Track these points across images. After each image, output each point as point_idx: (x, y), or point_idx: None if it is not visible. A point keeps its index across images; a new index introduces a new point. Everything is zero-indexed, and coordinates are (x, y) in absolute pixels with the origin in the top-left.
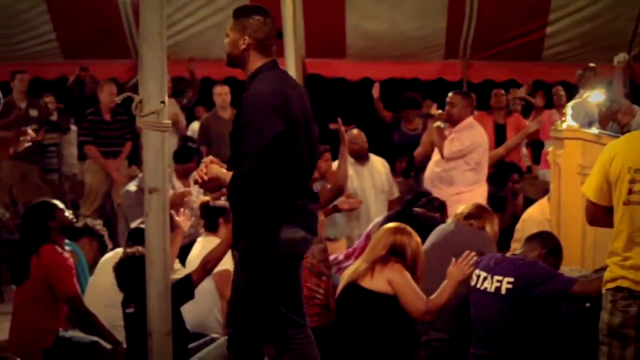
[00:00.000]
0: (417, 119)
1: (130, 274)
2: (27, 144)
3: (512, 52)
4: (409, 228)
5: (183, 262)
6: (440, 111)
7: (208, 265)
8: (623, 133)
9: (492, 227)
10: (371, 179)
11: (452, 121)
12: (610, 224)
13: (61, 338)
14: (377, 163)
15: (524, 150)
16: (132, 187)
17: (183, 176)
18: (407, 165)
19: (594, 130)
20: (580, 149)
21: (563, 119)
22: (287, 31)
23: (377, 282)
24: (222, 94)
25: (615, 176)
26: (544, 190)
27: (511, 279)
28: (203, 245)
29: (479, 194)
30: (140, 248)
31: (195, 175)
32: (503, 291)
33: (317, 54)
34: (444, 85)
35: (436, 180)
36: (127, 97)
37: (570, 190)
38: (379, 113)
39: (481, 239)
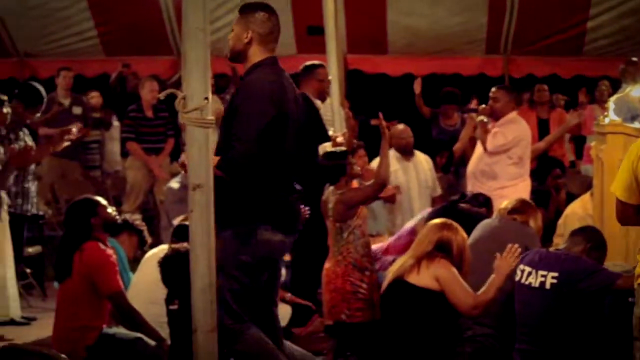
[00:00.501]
0: (456, 114)
1: (175, 270)
2: (67, 143)
3: (553, 47)
4: (455, 224)
5: None
6: (483, 106)
7: None
8: None
9: (535, 222)
10: (416, 174)
11: (495, 116)
12: None
13: (105, 335)
14: (422, 159)
15: (568, 145)
16: (174, 184)
17: None
18: (447, 161)
19: (637, 124)
20: (623, 143)
21: (605, 113)
22: (328, 27)
23: (424, 278)
24: None
25: None
26: (586, 185)
27: (555, 274)
28: None
29: (522, 189)
30: (185, 244)
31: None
32: (547, 286)
33: (358, 50)
34: (485, 81)
35: (479, 174)
36: (169, 94)
37: None
38: (419, 109)
39: (525, 234)
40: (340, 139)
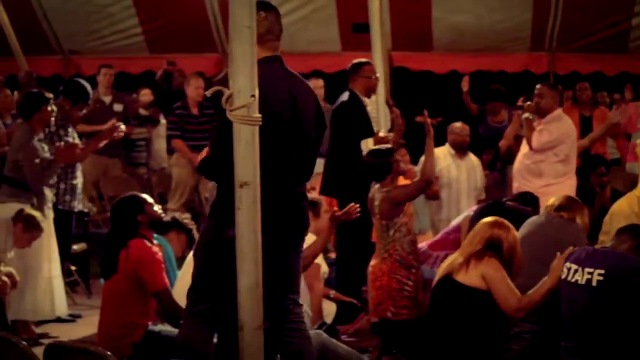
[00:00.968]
0: (503, 111)
1: None
2: (105, 141)
3: (598, 44)
4: (507, 222)
5: None
6: (528, 103)
7: (304, 261)
8: None
9: (582, 219)
10: (467, 174)
11: (541, 113)
12: None
13: (150, 332)
14: (475, 161)
15: (610, 142)
16: None
17: None
18: (493, 158)
19: None
20: None
21: None
22: (373, 24)
23: (471, 277)
24: (316, 87)
25: None
26: (631, 183)
27: (602, 271)
28: None
29: (568, 186)
30: None
31: None
32: (594, 283)
33: (403, 47)
34: (530, 78)
35: (524, 172)
36: (216, 91)
37: None
38: (467, 106)
39: (572, 231)
40: (382, 134)
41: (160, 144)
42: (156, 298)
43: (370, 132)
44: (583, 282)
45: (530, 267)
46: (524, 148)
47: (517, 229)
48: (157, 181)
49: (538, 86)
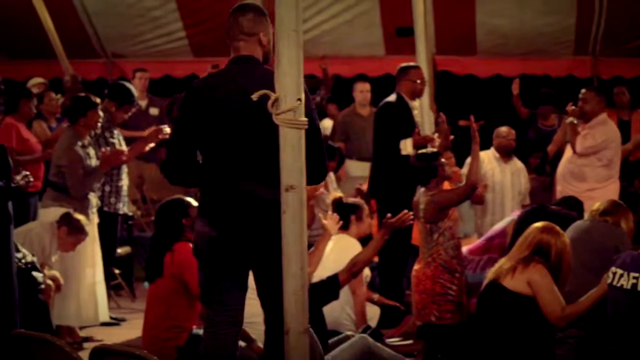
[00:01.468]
0: (553, 115)
1: None
2: (151, 145)
3: None
4: (557, 228)
5: None
6: (572, 107)
7: (355, 267)
8: None
9: (627, 223)
10: (511, 178)
11: (585, 117)
12: None
13: (195, 335)
14: (520, 166)
15: None
16: None
17: None
18: (541, 162)
19: None
20: None
21: None
22: (417, 28)
23: (518, 282)
24: (363, 90)
25: None
26: None
27: None
28: (335, 242)
29: (612, 191)
30: None
31: None
32: (639, 288)
33: (447, 51)
34: (574, 82)
35: (568, 176)
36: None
37: None
38: (517, 109)
39: (617, 236)
40: (422, 134)
41: None
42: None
43: (411, 131)
44: (628, 286)
45: (574, 272)
46: (568, 152)
47: None
48: None
49: (583, 91)
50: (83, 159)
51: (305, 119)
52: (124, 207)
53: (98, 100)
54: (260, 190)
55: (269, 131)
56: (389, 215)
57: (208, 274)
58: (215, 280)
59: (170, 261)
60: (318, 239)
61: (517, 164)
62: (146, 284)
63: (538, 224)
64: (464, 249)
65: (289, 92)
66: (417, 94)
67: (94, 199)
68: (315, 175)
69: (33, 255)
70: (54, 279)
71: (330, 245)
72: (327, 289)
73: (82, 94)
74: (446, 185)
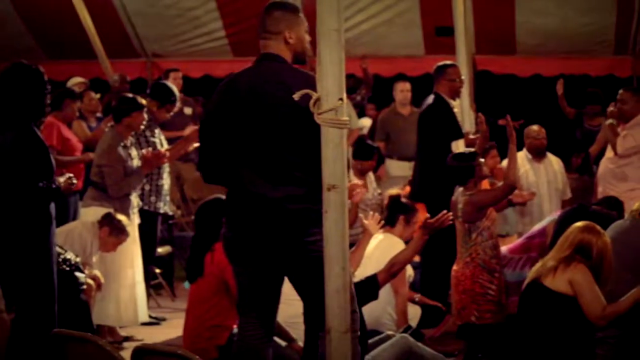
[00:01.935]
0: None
1: None
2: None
3: None
4: (598, 227)
5: None
6: (611, 109)
7: (394, 267)
8: None
9: None
10: (546, 176)
11: (624, 118)
12: None
13: (235, 335)
14: (553, 161)
15: None
16: None
17: (361, 174)
18: (583, 162)
19: None
20: None
21: None
22: (458, 28)
23: (559, 282)
24: (404, 90)
25: None
26: None
27: None
28: (379, 241)
29: None
30: None
31: None
32: None
33: (487, 51)
34: (614, 81)
35: (609, 176)
36: (304, 95)
37: None
38: (563, 110)
39: None
40: (472, 136)
41: None
42: None
43: (459, 134)
44: None
45: (615, 272)
46: (609, 153)
47: None
48: None
49: (620, 92)
50: (124, 160)
51: (347, 118)
52: (165, 207)
53: (144, 101)
54: (266, 190)
55: (276, 130)
56: (428, 215)
57: (236, 273)
58: (237, 280)
59: (210, 261)
60: (359, 239)
61: (551, 161)
62: (187, 284)
63: (579, 224)
64: (504, 248)
65: (330, 92)
66: (456, 93)
67: (135, 199)
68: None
69: (77, 256)
70: (94, 278)
71: (373, 244)
72: (366, 289)
73: (130, 95)
74: (484, 184)
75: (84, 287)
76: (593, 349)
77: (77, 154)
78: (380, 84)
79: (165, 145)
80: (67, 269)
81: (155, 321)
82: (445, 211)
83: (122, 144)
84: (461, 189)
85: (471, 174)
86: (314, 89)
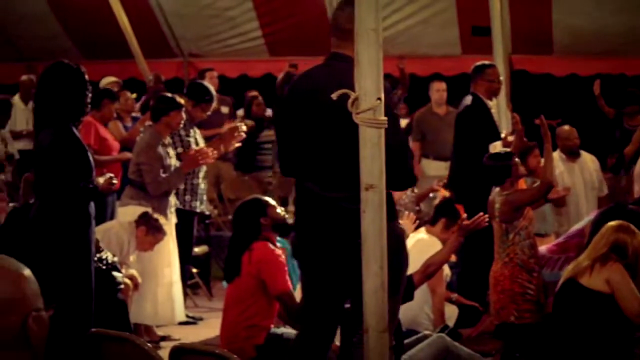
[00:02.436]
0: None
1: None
2: (238, 144)
3: None
4: (632, 227)
5: None
6: None
7: (430, 269)
8: None
9: None
10: (582, 176)
11: None
12: None
13: (273, 334)
14: (588, 159)
15: None
16: None
17: None
18: (617, 162)
19: None
20: None
21: None
22: (495, 27)
23: (596, 281)
24: (440, 90)
25: None
26: None
27: None
28: (417, 241)
29: None
30: None
31: None
32: None
33: (523, 50)
34: None
35: None
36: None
37: None
38: (602, 110)
39: None
40: (510, 138)
41: None
42: (279, 300)
43: (496, 136)
44: None
45: None
46: None
47: None
48: (277, 184)
49: None
50: (163, 158)
51: (385, 118)
52: (201, 206)
53: (183, 101)
54: (316, 189)
55: (332, 132)
56: (464, 217)
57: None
58: (302, 287)
59: (248, 260)
60: None
61: (585, 159)
62: (224, 284)
63: (613, 223)
64: (543, 248)
65: (368, 92)
66: (493, 94)
67: (173, 198)
68: (396, 179)
69: (114, 255)
70: (131, 277)
71: (411, 243)
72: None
73: (168, 94)
74: (521, 184)
75: (122, 286)
76: (632, 347)
77: (114, 153)
78: (416, 84)
79: (201, 145)
80: (104, 268)
81: (192, 321)
82: (481, 213)
83: (161, 142)
84: (498, 189)
85: (508, 173)
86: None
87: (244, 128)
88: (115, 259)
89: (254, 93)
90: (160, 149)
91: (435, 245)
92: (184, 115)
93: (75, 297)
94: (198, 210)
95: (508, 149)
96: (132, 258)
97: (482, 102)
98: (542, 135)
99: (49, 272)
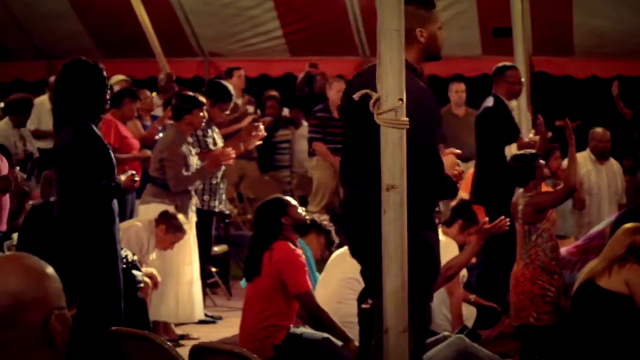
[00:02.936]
0: None
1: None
2: (259, 142)
3: None
4: None
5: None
6: None
7: (450, 271)
8: None
9: None
10: (607, 179)
11: None
12: None
13: (292, 334)
14: (615, 165)
15: None
16: None
17: None
18: (633, 163)
19: None
20: None
21: None
22: (516, 29)
23: (614, 282)
24: (459, 91)
25: None
26: None
27: None
28: None
29: None
30: None
31: None
32: None
33: (544, 52)
34: None
35: None
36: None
37: None
38: (620, 111)
39: None
40: (527, 139)
41: (301, 145)
42: (298, 300)
43: (517, 137)
44: None
45: None
46: None
47: None
48: (297, 184)
49: None
50: (186, 156)
51: (406, 118)
52: (220, 205)
53: (204, 99)
54: (350, 189)
55: (367, 134)
56: (485, 220)
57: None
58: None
59: (268, 260)
60: None
61: (613, 164)
62: (243, 283)
63: (629, 225)
64: (562, 250)
65: (390, 92)
66: (514, 95)
67: (194, 197)
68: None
69: (134, 254)
70: (151, 276)
71: None
72: None
73: (190, 93)
74: (544, 187)
75: (141, 285)
76: None
77: (134, 152)
78: (436, 85)
79: (220, 144)
80: (124, 266)
81: (211, 320)
82: (502, 217)
83: (185, 141)
84: (521, 190)
85: (532, 175)
86: (419, 102)
87: (262, 127)
88: (135, 257)
89: (273, 93)
90: (184, 147)
91: (451, 247)
92: (206, 113)
93: (102, 296)
94: (217, 209)
95: (533, 151)
96: (153, 256)
97: (503, 103)
98: (567, 138)
99: (72, 271)
